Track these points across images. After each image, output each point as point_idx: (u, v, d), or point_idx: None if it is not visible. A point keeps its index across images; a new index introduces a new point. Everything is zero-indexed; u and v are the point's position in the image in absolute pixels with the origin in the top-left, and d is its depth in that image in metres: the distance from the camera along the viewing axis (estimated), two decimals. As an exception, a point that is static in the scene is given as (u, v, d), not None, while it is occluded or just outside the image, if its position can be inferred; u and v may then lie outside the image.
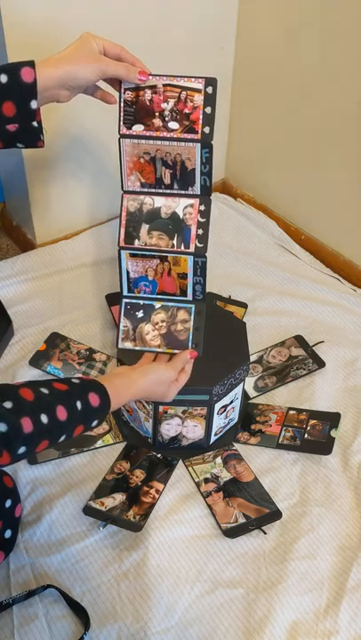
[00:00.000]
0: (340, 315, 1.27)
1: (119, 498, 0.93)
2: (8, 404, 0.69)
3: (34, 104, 0.82)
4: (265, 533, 0.90)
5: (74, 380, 0.78)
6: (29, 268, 1.36)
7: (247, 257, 1.43)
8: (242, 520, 0.91)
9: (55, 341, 1.17)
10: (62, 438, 0.75)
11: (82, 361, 1.15)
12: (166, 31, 1.37)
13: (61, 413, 0.74)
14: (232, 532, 0.90)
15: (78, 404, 0.76)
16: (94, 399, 0.79)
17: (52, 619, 0.82)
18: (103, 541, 0.89)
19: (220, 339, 1.04)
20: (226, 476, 0.98)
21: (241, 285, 1.34)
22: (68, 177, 1.42)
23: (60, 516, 0.91)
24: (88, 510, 0.91)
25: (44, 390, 0.74)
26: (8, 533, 0.86)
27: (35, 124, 0.84)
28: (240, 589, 0.85)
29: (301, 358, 1.16)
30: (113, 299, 1.27)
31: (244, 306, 1.28)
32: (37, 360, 1.13)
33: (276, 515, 0.92)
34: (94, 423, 0.79)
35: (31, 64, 0.79)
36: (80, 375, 0.89)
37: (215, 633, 0.80)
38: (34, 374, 1.11)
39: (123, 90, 0.90)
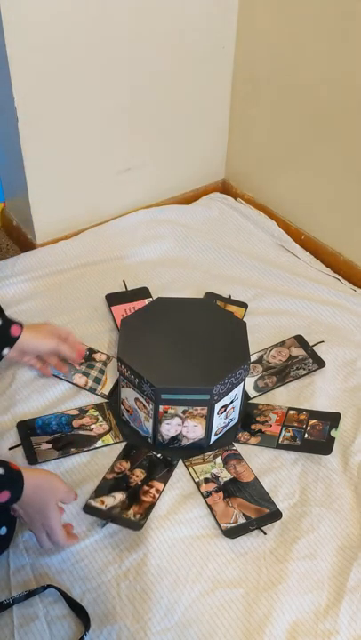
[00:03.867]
0: (340, 315, 1.27)
1: (119, 497, 0.93)
2: None
3: (6, 351, 1.01)
4: (265, 534, 0.90)
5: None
6: (29, 268, 1.36)
7: (247, 257, 1.43)
8: (242, 520, 0.91)
9: (55, 341, 1.17)
10: None
11: (82, 361, 1.14)
12: (166, 31, 1.37)
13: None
14: (232, 533, 0.90)
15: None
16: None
17: (52, 619, 0.82)
18: (103, 541, 0.89)
19: (220, 338, 1.04)
20: (226, 476, 0.98)
21: (241, 285, 1.34)
22: (68, 177, 1.42)
23: (60, 515, 0.91)
24: (88, 509, 0.91)
25: None
26: (4, 530, 0.86)
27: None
28: (240, 589, 0.85)
29: (301, 358, 1.17)
30: (113, 299, 1.27)
31: (244, 306, 1.28)
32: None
33: (276, 515, 0.92)
34: (4, 497, 0.78)
35: (21, 324, 1.02)
36: None
37: (215, 633, 0.80)
38: (34, 374, 1.11)
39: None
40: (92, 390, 1.10)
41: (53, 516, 0.83)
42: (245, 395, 1.10)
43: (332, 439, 1.01)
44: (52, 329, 1.10)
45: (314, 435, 1.02)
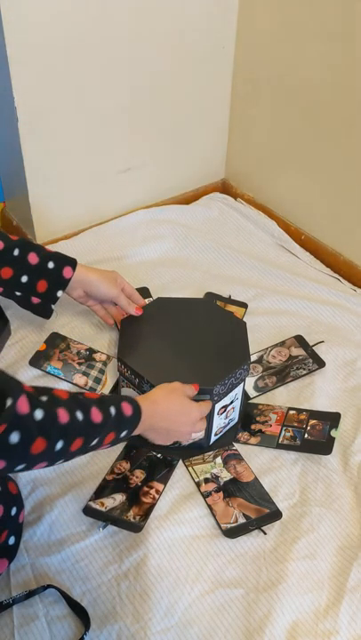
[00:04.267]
0: (340, 315, 1.27)
1: (119, 498, 0.93)
2: (44, 398, 0.71)
3: (59, 293, 1.07)
4: (265, 534, 0.90)
5: (104, 393, 0.82)
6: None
7: (247, 257, 1.43)
8: (242, 520, 0.91)
9: (55, 341, 1.17)
10: (95, 442, 0.76)
11: (82, 361, 1.15)
12: (166, 31, 1.37)
13: (96, 415, 0.75)
14: (232, 533, 0.90)
15: (112, 410, 0.78)
16: (127, 408, 0.81)
17: (52, 619, 0.82)
18: (103, 541, 0.89)
19: (220, 338, 1.04)
20: (226, 476, 0.98)
21: (241, 285, 1.34)
22: (68, 177, 1.42)
23: (60, 516, 0.91)
24: (88, 511, 0.91)
25: (78, 395, 0.76)
26: (12, 540, 0.86)
27: (53, 306, 1.08)
28: (240, 589, 0.85)
29: (301, 358, 1.17)
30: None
31: (244, 306, 1.28)
32: (37, 360, 1.13)
33: (276, 515, 0.92)
34: (124, 433, 0.81)
35: (73, 265, 1.07)
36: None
37: (215, 633, 0.80)
38: (34, 374, 1.11)
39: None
40: (92, 390, 1.10)
41: (188, 434, 0.94)
42: (245, 395, 1.10)
43: (333, 439, 1.01)
44: (118, 278, 1.12)
45: (314, 435, 1.02)
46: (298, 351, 1.18)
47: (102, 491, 0.94)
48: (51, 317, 1.11)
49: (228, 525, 0.91)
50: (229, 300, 1.29)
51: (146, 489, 0.95)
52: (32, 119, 1.28)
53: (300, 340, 1.20)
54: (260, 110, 1.51)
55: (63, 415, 0.71)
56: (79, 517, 0.91)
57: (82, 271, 1.08)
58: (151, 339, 1.04)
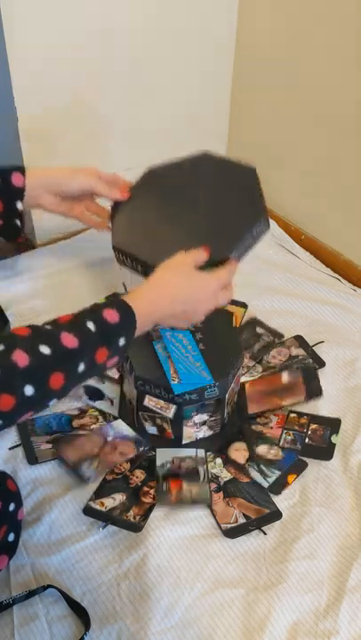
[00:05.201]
0: (340, 315, 1.27)
1: (119, 498, 0.93)
2: (0, 347, 0.64)
3: (19, 205, 0.92)
4: (265, 534, 0.90)
5: (84, 308, 0.72)
6: (29, 268, 1.36)
7: (247, 257, 1.43)
8: (242, 520, 0.91)
9: (55, 341, 1.17)
10: (82, 367, 0.68)
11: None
12: (166, 31, 1.37)
13: (69, 340, 0.67)
14: (232, 533, 0.90)
15: (90, 325, 0.69)
16: (111, 314, 0.71)
17: (53, 619, 0.82)
18: (103, 541, 0.89)
19: (227, 196, 0.90)
20: (226, 476, 0.98)
21: (241, 285, 1.33)
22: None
23: (60, 515, 0.91)
24: (88, 511, 0.91)
25: (47, 326, 0.69)
26: (11, 537, 0.86)
27: (17, 222, 0.94)
28: (240, 589, 0.85)
29: (301, 358, 1.16)
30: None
31: (244, 306, 1.28)
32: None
33: (276, 515, 0.92)
34: (121, 342, 0.72)
35: (22, 170, 0.91)
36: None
37: (215, 633, 0.80)
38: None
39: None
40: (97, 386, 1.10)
41: (208, 310, 0.79)
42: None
43: (333, 445, 1.01)
44: (92, 169, 0.98)
45: (315, 440, 1.02)
46: (298, 351, 1.18)
47: (102, 491, 0.94)
48: (20, 236, 0.99)
49: (228, 525, 0.91)
50: (229, 300, 1.29)
51: (146, 489, 0.95)
52: (32, 119, 1.28)
53: (300, 340, 1.20)
54: (260, 110, 1.51)
55: (21, 359, 0.63)
56: (79, 517, 0.91)
57: (38, 173, 0.94)
58: (148, 218, 0.91)
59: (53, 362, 0.65)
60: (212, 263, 0.81)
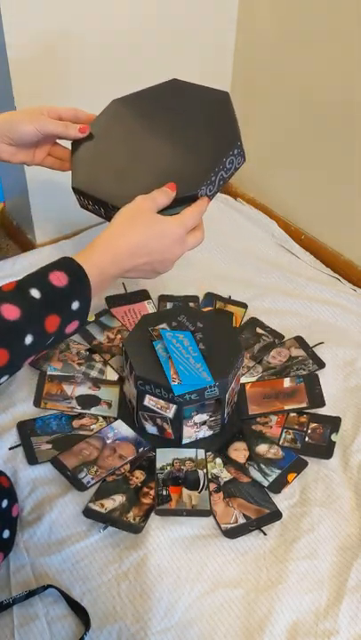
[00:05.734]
0: (340, 315, 1.27)
1: (119, 499, 0.93)
2: None
3: None
4: (265, 534, 0.90)
5: (29, 273, 0.66)
6: (29, 268, 1.34)
7: (247, 257, 1.43)
8: (242, 520, 0.91)
9: (55, 341, 1.17)
10: (29, 340, 0.62)
11: (82, 361, 1.15)
12: (166, 30, 1.37)
13: (10, 311, 0.61)
14: (232, 533, 0.90)
15: (34, 292, 0.63)
16: (59, 278, 0.65)
17: (53, 619, 0.82)
18: (103, 541, 0.89)
19: (197, 125, 0.84)
20: (226, 476, 0.98)
21: (241, 285, 1.34)
22: (69, 177, 1.41)
23: (60, 515, 0.91)
24: (88, 512, 0.91)
25: None
26: (6, 534, 0.86)
27: None
28: (240, 589, 0.85)
29: (301, 359, 1.16)
30: (112, 301, 1.27)
31: (244, 306, 1.28)
32: (37, 360, 1.13)
33: (276, 515, 0.92)
34: (74, 305, 0.65)
35: None
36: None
37: (215, 633, 0.81)
38: (34, 374, 1.11)
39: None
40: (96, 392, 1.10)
41: (178, 256, 0.72)
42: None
43: (333, 443, 1.01)
44: (44, 109, 0.87)
45: (315, 439, 1.02)
46: (298, 352, 1.18)
47: (102, 492, 0.94)
48: None
49: (228, 526, 0.91)
50: (229, 300, 1.29)
51: (146, 489, 0.95)
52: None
53: (300, 341, 1.20)
54: (260, 110, 1.51)
55: None
56: (79, 517, 0.91)
57: None
58: (111, 154, 0.83)
59: None
60: (180, 202, 0.74)
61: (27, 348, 0.63)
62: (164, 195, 0.74)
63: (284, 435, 1.03)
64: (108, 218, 0.78)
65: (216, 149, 0.77)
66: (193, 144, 0.78)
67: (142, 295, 1.29)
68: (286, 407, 1.07)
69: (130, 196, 0.73)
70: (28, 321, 0.62)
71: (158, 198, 0.74)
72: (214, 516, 0.92)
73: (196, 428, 1.00)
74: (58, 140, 0.95)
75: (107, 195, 0.76)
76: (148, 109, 0.87)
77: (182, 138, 0.80)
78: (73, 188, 0.81)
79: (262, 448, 1.01)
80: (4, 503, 0.88)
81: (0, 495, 0.88)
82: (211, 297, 1.30)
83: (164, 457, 0.99)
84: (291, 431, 1.04)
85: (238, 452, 1.01)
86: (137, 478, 0.96)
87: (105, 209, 0.77)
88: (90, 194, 0.78)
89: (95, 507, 0.92)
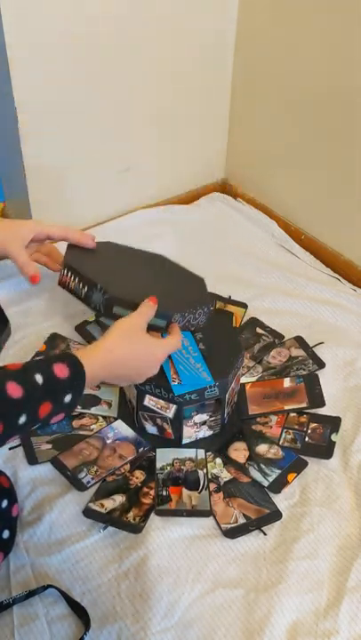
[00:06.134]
0: (340, 315, 1.27)
1: (119, 499, 0.93)
2: None
3: None
4: (265, 534, 0.90)
5: (36, 358, 0.72)
6: (29, 268, 1.35)
7: (247, 257, 1.43)
8: (242, 520, 0.91)
9: (55, 342, 1.17)
10: (22, 419, 0.66)
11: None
12: (166, 31, 1.37)
13: (13, 389, 0.65)
14: (232, 533, 0.90)
15: (38, 378, 0.68)
16: (61, 370, 0.70)
17: (53, 619, 0.82)
18: (103, 541, 0.89)
19: (180, 289, 1.01)
20: (226, 476, 0.98)
21: (241, 285, 1.34)
22: (68, 177, 1.42)
23: (60, 515, 0.91)
24: (88, 512, 0.91)
25: None
26: (6, 534, 0.86)
27: None
28: (240, 589, 0.85)
29: (301, 359, 1.16)
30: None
31: (244, 306, 1.28)
32: (37, 360, 1.13)
33: (276, 515, 0.92)
34: (67, 398, 0.71)
35: None
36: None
37: (215, 633, 0.80)
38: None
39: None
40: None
41: (160, 362, 0.84)
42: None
43: (333, 443, 1.01)
44: (30, 226, 1.02)
45: (315, 438, 1.02)
46: (298, 352, 1.18)
47: (102, 492, 0.94)
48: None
49: (228, 526, 0.91)
50: (229, 300, 1.29)
51: (146, 490, 0.95)
52: (32, 119, 1.28)
53: (300, 341, 1.20)
54: (261, 110, 1.51)
55: None
56: (79, 517, 0.91)
57: None
58: (104, 257, 0.99)
59: None
60: (159, 317, 0.87)
61: (17, 427, 0.67)
62: (150, 308, 0.86)
63: (284, 435, 1.03)
64: (87, 299, 0.90)
65: (193, 299, 0.94)
66: (175, 287, 0.95)
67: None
68: (286, 407, 1.07)
69: (120, 285, 0.88)
70: (27, 402, 0.67)
71: (146, 313, 0.85)
72: (214, 516, 0.92)
73: (196, 427, 1.00)
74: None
75: (97, 276, 0.88)
76: (139, 255, 1.04)
77: (166, 278, 0.96)
78: (65, 263, 0.92)
79: (262, 448, 1.01)
80: (4, 503, 0.88)
81: (0, 495, 0.88)
82: (211, 297, 1.30)
83: (164, 457, 0.99)
84: (291, 431, 1.04)
85: (238, 451, 1.01)
86: (137, 478, 0.96)
87: (89, 288, 0.88)
88: (81, 272, 0.89)
89: (95, 507, 0.92)
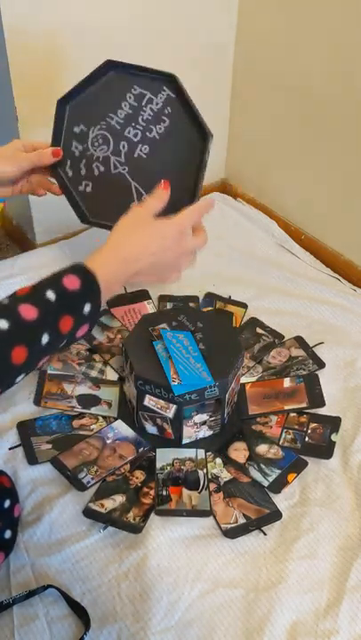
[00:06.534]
0: (340, 315, 1.27)
1: (119, 499, 0.93)
2: None
3: None
4: (265, 534, 0.90)
5: (43, 277, 0.69)
6: (29, 268, 1.36)
7: (247, 257, 1.43)
8: (242, 520, 0.91)
9: (55, 341, 1.17)
10: (45, 339, 0.65)
11: (82, 361, 1.15)
12: (166, 31, 1.37)
13: (27, 311, 0.64)
14: (232, 533, 0.90)
15: (50, 294, 0.67)
16: (71, 281, 0.69)
17: (53, 619, 0.82)
18: (103, 541, 0.89)
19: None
20: (226, 476, 0.98)
21: (241, 285, 1.34)
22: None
23: (60, 515, 0.91)
24: (88, 512, 0.91)
25: (4, 300, 0.67)
26: (8, 534, 0.86)
27: None
28: (240, 589, 0.85)
29: (301, 359, 1.17)
30: (112, 301, 1.27)
31: (244, 306, 1.28)
32: (37, 360, 1.13)
33: (276, 515, 0.92)
34: (87, 308, 0.69)
35: None
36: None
37: (215, 633, 0.80)
38: (34, 374, 1.11)
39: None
40: (94, 391, 1.10)
41: (189, 258, 0.76)
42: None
43: (333, 443, 1.01)
44: (12, 147, 0.93)
45: (315, 438, 1.02)
46: (298, 352, 1.18)
47: (102, 492, 0.94)
48: None
49: (228, 526, 0.91)
50: (229, 301, 1.29)
51: (146, 489, 0.95)
52: (32, 119, 1.28)
53: (300, 341, 1.20)
54: (260, 110, 1.51)
55: None
56: (79, 517, 0.91)
57: None
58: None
59: (13, 336, 0.62)
60: (175, 205, 0.79)
61: (43, 348, 0.65)
62: (158, 198, 0.79)
63: (284, 435, 1.03)
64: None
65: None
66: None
67: (142, 295, 1.29)
68: (286, 407, 1.07)
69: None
70: (45, 321, 0.65)
71: (152, 203, 0.78)
72: (214, 516, 0.92)
73: (196, 428, 1.00)
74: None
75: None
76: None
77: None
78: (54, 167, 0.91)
79: (262, 448, 1.01)
80: (7, 503, 0.88)
81: (2, 495, 0.88)
82: (211, 297, 1.30)
83: (164, 457, 0.99)
84: (291, 431, 1.04)
85: (238, 451, 1.01)
86: (137, 478, 0.96)
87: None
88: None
89: (95, 507, 0.92)
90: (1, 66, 1.21)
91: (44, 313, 0.65)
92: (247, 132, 1.58)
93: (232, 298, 1.30)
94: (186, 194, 0.92)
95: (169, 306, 1.28)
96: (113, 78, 0.98)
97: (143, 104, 0.96)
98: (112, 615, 0.82)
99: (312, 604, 0.83)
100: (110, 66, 0.97)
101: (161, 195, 0.79)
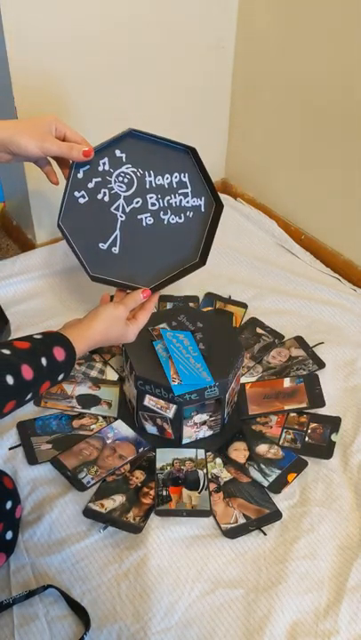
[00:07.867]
0: (340, 315, 1.27)
1: (119, 499, 0.93)
2: None
3: None
4: (265, 534, 0.90)
5: (35, 337, 0.77)
6: (29, 268, 1.36)
7: (247, 257, 1.43)
8: (242, 520, 0.91)
9: (55, 341, 1.17)
10: (29, 396, 0.75)
11: (82, 361, 1.15)
12: (166, 31, 1.37)
13: (27, 372, 0.72)
14: (232, 533, 0.90)
15: (43, 361, 0.75)
16: (59, 353, 0.78)
17: (53, 619, 0.82)
18: (103, 541, 0.89)
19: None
20: (226, 476, 0.98)
21: (241, 285, 1.34)
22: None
23: (60, 515, 0.91)
24: (88, 512, 0.91)
25: (6, 351, 0.72)
26: (9, 535, 0.86)
27: None
28: (240, 589, 0.85)
29: (301, 359, 1.16)
30: (112, 300, 1.27)
31: (244, 306, 1.28)
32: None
33: (276, 515, 0.92)
34: (60, 377, 0.79)
35: None
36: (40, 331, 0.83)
37: (215, 633, 0.80)
38: (34, 374, 1.11)
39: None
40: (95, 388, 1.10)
41: (134, 332, 0.91)
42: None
43: (333, 443, 1.01)
44: (53, 125, 0.87)
45: (315, 438, 1.02)
46: (298, 352, 1.18)
47: (102, 492, 0.94)
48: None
49: (228, 526, 0.91)
50: (229, 300, 1.29)
51: (146, 490, 0.95)
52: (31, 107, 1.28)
53: (300, 341, 1.20)
54: (260, 110, 1.51)
55: None
56: (79, 517, 0.91)
57: None
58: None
59: (14, 392, 0.71)
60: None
61: (24, 402, 0.75)
62: (134, 301, 0.94)
63: (284, 435, 1.03)
64: None
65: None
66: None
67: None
68: (286, 407, 1.07)
69: None
70: (35, 383, 0.74)
71: (130, 304, 0.93)
72: (214, 516, 0.92)
73: (196, 428, 1.00)
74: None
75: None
76: None
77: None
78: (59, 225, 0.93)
79: (262, 448, 1.01)
80: (9, 504, 0.88)
81: (4, 496, 0.88)
82: (211, 297, 1.30)
83: (164, 457, 0.99)
84: (291, 431, 1.04)
85: (238, 451, 1.01)
86: (137, 478, 0.96)
87: None
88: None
89: (95, 507, 0.92)
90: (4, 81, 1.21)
91: (36, 377, 0.74)
92: (247, 133, 1.58)
93: (232, 298, 1.30)
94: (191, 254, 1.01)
95: (169, 306, 1.28)
96: (183, 156, 1.00)
97: (178, 191, 0.98)
98: (112, 615, 0.82)
99: (312, 604, 0.83)
100: (193, 152, 0.99)
101: (142, 297, 0.95)
